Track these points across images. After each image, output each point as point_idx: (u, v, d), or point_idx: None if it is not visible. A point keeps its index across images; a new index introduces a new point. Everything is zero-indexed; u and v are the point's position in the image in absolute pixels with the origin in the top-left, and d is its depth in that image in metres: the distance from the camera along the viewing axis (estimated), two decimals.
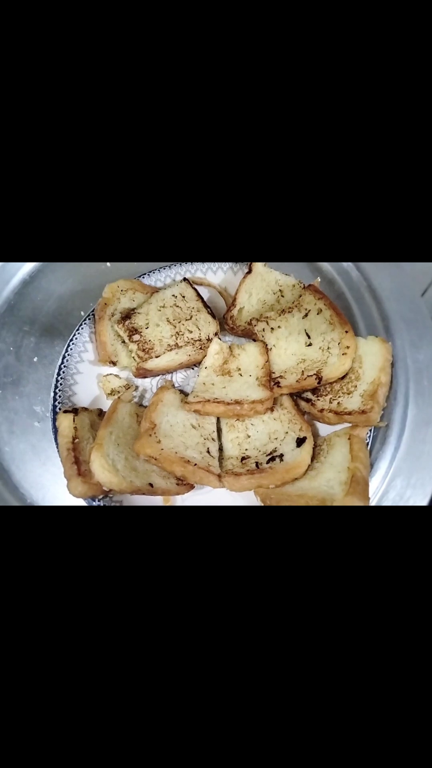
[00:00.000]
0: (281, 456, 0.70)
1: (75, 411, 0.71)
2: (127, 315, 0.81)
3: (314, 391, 0.77)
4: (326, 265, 0.94)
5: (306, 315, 0.79)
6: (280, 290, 0.86)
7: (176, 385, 0.82)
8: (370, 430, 0.74)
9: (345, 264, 0.94)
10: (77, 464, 0.65)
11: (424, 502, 0.72)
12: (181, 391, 0.80)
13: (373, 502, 0.72)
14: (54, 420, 0.72)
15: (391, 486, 0.74)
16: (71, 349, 0.80)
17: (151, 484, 0.66)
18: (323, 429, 0.77)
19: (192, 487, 0.70)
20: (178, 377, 0.83)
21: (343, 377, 0.75)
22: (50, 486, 0.76)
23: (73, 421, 0.70)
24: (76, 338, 0.81)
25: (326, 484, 0.64)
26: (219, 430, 0.77)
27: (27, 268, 0.95)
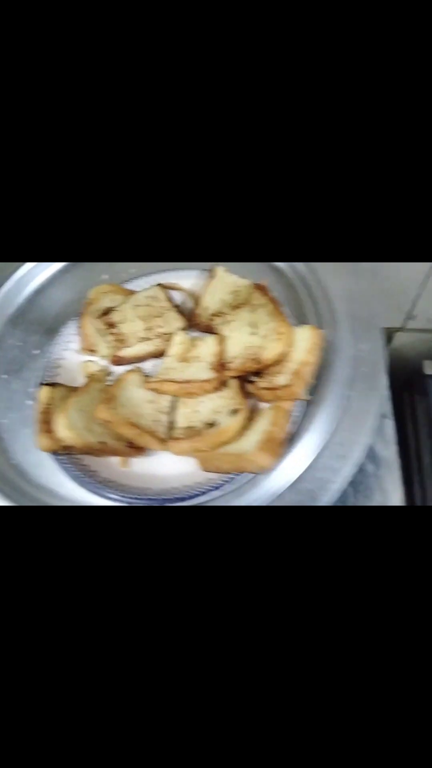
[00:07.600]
0: (217, 424, 0.80)
1: (53, 385, 0.87)
2: (106, 311, 0.98)
3: (258, 373, 0.87)
4: (284, 267, 1.06)
5: (254, 310, 0.91)
6: (237, 290, 0.98)
7: (146, 372, 0.96)
8: (304, 406, 0.83)
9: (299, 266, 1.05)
10: (47, 424, 0.80)
11: (348, 474, 0.79)
12: (148, 377, 0.94)
13: (301, 468, 0.80)
14: None
15: (321, 455, 0.81)
16: (59, 339, 0.97)
17: (104, 443, 0.79)
18: None
19: (143, 450, 0.83)
20: (148, 365, 0.97)
21: (280, 361, 0.85)
22: (36, 450, 0.91)
23: (50, 392, 0.85)
24: (64, 330, 0.98)
25: (247, 444, 0.74)
26: (175, 408, 0.89)
27: (38, 281, 1.15)
